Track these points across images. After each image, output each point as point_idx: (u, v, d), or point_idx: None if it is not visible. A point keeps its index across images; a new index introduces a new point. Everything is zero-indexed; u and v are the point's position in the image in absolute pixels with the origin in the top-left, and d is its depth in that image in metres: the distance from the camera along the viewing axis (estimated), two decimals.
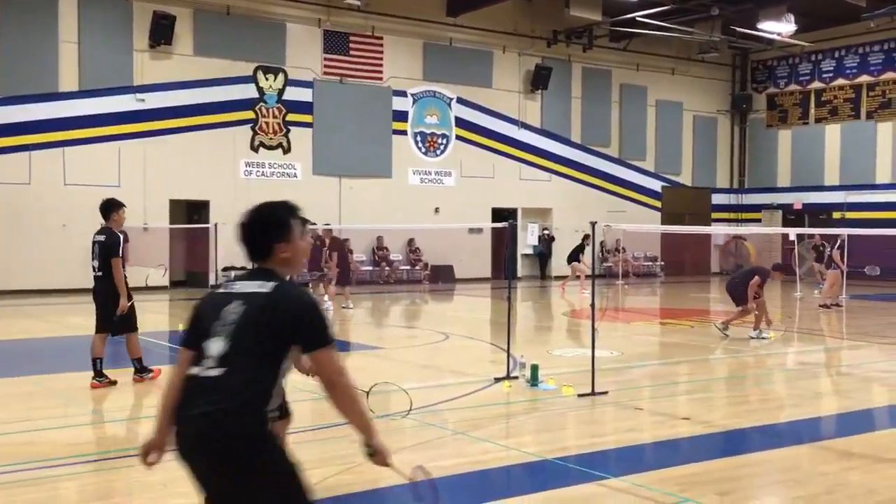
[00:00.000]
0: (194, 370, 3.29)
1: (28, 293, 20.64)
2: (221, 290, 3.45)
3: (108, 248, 9.40)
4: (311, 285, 20.69)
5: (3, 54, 21.00)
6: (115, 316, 9.41)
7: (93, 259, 9.61)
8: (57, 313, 17.67)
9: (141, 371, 9.76)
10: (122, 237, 9.63)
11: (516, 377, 9.70)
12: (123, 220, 9.79)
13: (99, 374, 9.44)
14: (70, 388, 9.56)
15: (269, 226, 3.47)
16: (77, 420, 8.03)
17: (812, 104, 32.18)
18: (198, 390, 3.23)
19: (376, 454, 3.39)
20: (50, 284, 21.37)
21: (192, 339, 3.39)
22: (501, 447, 6.94)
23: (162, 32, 22.44)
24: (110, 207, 9.60)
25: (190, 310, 3.51)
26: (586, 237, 22.29)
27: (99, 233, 9.66)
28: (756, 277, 13.97)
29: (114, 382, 9.50)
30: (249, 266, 3.48)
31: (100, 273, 9.53)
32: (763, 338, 13.68)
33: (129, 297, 9.59)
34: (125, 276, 9.51)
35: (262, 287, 3.33)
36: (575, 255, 23.62)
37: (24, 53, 21.20)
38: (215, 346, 3.26)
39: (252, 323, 3.26)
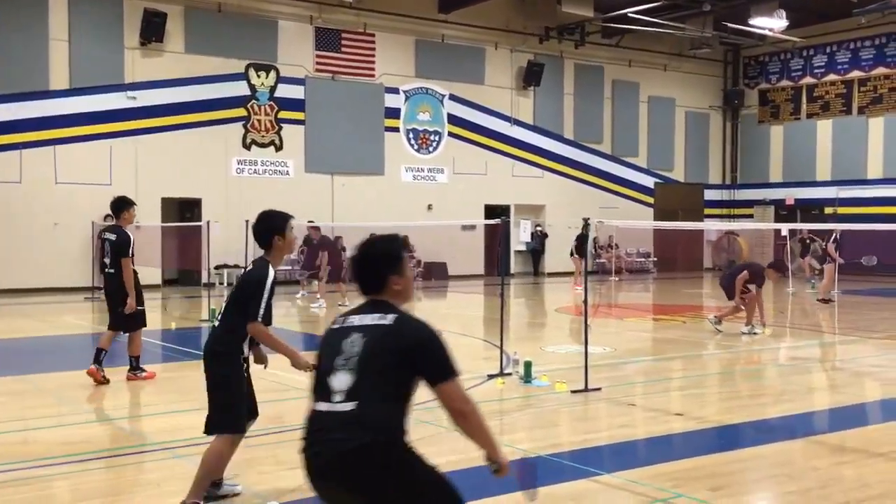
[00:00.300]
0: (322, 406, 3.31)
1: (19, 292, 20.58)
2: (337, 326, 3.47)
3: (119, 248, 9.48)
4: (301, 283, 20.72)
5: None
6: (122, 313, 9.52)
7: (104, 256, 9.70)
8: (49, 312, 17.62)
9: (135, 369, 9.79)
10: (132, 236, 9.69)
11: (509, 374, 9.70)
12: (133, 217, 9.83)
13: (98, 362, 9.52)
14: (63, 387, 9.54)
15: (382, 259, 3.53)
16: (70, 419, 8.01)
17: (804, 100, 32.25)
18: (331, 423, 3.25)
19: (501, 469, 3.45)
20: (41, 283, 21.31)
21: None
22: (518, 450, 6.94)
23: (153, 30, 22.37)
24: (121, 206, 9.62)
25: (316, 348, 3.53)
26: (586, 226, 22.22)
27: (109, 230, 9.72)
28: (744, 273, 13.98)
29: (106, 381, 9.50)
30: (361, 301, 3.52)
31: (111, 270, 9.62)
32: (754, 333, 13.71)
33: (140, 297, 9.71)
34: (135, 275, 9.60)
35: (383, 319, 3.37)
36: (580, 248, 23.59)
37: (15, 51, 21.11)
38: (341, 379, 3.28)
39: (376, 354, 3.29)
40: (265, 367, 5.84)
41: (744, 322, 13.98)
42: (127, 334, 9.81)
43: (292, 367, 5.51)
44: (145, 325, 9.95)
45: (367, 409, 3.21)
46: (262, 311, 5.25)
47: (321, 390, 3.35)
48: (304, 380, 9.33)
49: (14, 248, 21.15)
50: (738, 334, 13.72)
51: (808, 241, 25.94)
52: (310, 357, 4.86)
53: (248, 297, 5.28)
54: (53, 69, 21.71)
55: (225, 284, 23.59)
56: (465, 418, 3.30)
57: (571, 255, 24.12)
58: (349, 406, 3.23)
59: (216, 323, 5.52)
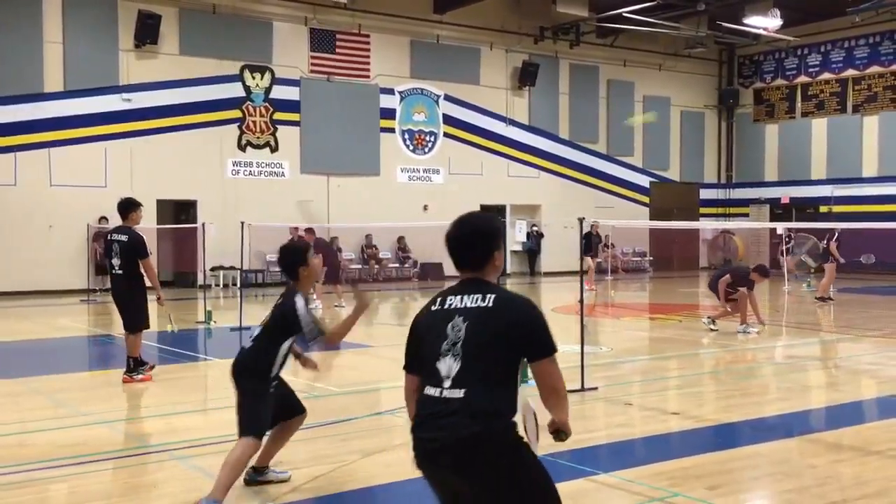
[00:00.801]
0: (432, 391, 3.34)
1: (15, 294, 20.54)
2: (437, 308, 3.47)
3: (134, 249, 9.52)
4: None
5: None
6: (135, 312, 9.63)
7: (112, 258, 9.67)
8: (44, 314, 17.59)
9: (132, 371, 9.77)
10: (143, 236, 9.76)
11: None
12: (141, 218, 9.95)
13: (141, 363, 9.71)
14: (59, 389, 9.53)
15: (489, 234, 3.56)
16: (68, 422, 7.99)
17: (798, 98, 32.31)
18: (442, 409, 3.28)
19: (564, 434, 3.45)
20: (37, 285, 21.27)
21: (416, 363, 3.49)
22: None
23: (147, 32, 22.34)
24: (129, 206, 9.73)
25: (407, 332, 3.56)
26: (593, 226, 22.40)
27: (118, 232, 9.73)
28: (727, 276, 14.06)
29: (152, 367, 9.80)
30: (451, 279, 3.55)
31: (120, 272, 9.63)
32: (748, 332, 13.75)
33: (146, 298, 9.79)
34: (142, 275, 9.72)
35: (483, 301, 3.39)
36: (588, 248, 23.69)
37: (9, 54, 21.07)
38: (448, 365, 3.32)
39: (480, 340, 3.32)
40: (317, 370, 6.45)
41: (738, 322, 14.01)
42: (130, 335, 9.82)
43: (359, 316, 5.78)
44: (148, 327, 9.99)
45: (476, 397, 3.26)
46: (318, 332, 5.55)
47: (429, 374, 3.37)
48: (312, 383, 9.28)
49: (9, 250, 21.11)
50: (734, 333, 13.74)
51: (787, 239, 26.35)
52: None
53: (285, 326, 5.55)
54: (48, 71, 21.68)
55: (220, 286, 23.59)
56: (559, 395, 3.41)
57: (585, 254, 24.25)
58: (458, 393, 3.27)
59: (251, 340, 5.72)
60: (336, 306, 18.25)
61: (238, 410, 5.58)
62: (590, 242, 23.53)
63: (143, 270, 9.59)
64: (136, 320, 9.70)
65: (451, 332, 3.36)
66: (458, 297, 3.45)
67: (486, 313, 3.35)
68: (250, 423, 5.50)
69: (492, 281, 3.53)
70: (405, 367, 3.56)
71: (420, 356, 3.45)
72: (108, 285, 11.65)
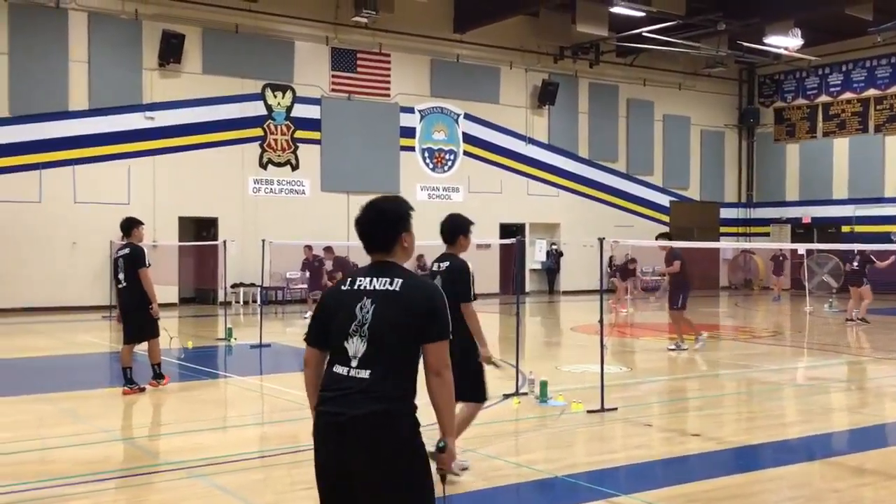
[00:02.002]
0: (339, 369, 3.47)
1: (38, 310, 20.71)
2: (347, 288, 3.58)
3: (135, 260, 9.98)
4: (310, 302, 20.74)
5: (14, 74, 21.17)
6: (137, 324, 10.04)
7: (117, 273, 10.16)
8: (66, 330, 17.72)
9: (158, 377, 10.23)
10: (145, 249, 10.24)
11: (525, 393, 9.68)
12: (143, 236, 10.46)
13: (130, 381, 10.01)
14: (80, 405, 9.59)
15: (395, 216, 3.68)
16: (87, 438, 8.04)
17: (820, 118, 32.16)
18: (347, 387, 3.44)
19: (446, 452, 3.46)
20: (59, 301, 21.44)
21: (321, 338, 3.61)
22: (511, 464, 6.93)
23: (171, 51, 22.59)
24: (131, 225, 10.23)
25: (317, 308, 3.69)
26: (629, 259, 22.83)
27: (122, 248, 10.24)
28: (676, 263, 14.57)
29: (142, 389, 10.04)
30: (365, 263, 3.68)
31: (125, 284, 10.07)
32: (682, 349, 13.90)
33: (153, 306, 10.14)
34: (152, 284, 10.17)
35: (391, 285, 3.50)
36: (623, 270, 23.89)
37: (35, 73, 21.37)
38: (355, 346, 3.45)
39: (386, 324, 3.45)
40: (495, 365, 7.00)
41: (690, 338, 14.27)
42: (146, 345, 10.19)
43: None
44: (159, 335, 10.32)
45: (381, 379, 3.38)
46: (473, 293, 6.49)
47: (337, 352, 3.49)
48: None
49: (33, 266, 21.31)
50: (752, 354, 13.64)
51: (780, 258, 27.26)
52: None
53: (465, 284, 6.51)
54: (73, 90, 21.95)
55: (241, 303, 23.69)
56: (441, 379, 3.43)
57: (613, 276, 24.39)
58: (364, 374, 3.40)
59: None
60: None
61: (466, 377, 5.96)
62: (625, 265, 23.65)
63: (141, 280, 9.98)
64: (145, 330, 10.11)
65: (360, 313, 3.47)
66: (368, 280, 3.55)
67: (392, 297, 3.46)
68: (474, 392, 6.34)
69: (401, 264, 3.64)
70: (306, 340, 3.65)
71: (327, 333, 3.54)
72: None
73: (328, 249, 19.57)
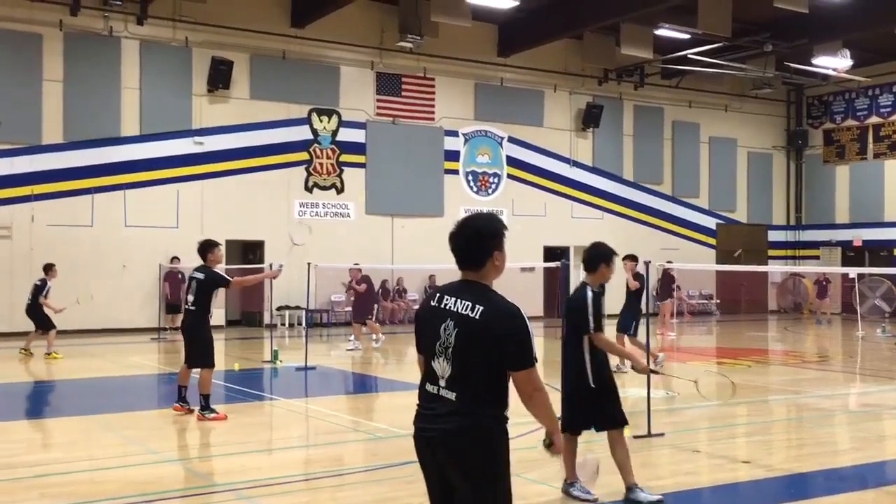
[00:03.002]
0: (430, 387, 3.73)
1: (88, 332, 21.08)
2: (435, 305, 3.75)
3: (213, 283, 10.11)
4: (357, 329, 20.67)
5: (68, 102, 21.69)
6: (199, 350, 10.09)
7: (188, 293, 10.23)
8: (118, 352, 18.00)
9: (204, 409, 10.00)
10: (221, 275, 10.35)
11: None
12: (221, 257, 10.57)
13: (183, 399, 10.17)
14: (130, 426, 9.72)
15: (491, 233, 3.75)
16: (138, 459, 8.15)
17: (870, 139, 31.64)
18: (436, 406, 3.69)
19: (553, 445, 3.86)
20: (109, 324, 21.80)
21: (421, 347, 3.87)
22: (557, 489, 6.87)
23: (220, 77, 22.99)
24: (206, 247, 10.29)
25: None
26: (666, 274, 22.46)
27: (198, 270, 10.27)
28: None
29: (191, 410, 10.10)
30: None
31: (193, 308, 10.13)
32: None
33: (211, 338, 10.27)
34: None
35: (473, 311, 3.62)
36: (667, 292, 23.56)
37: (89, 100, 21.88)
38: (442, 366, 3.69)
39: (468, 347, 3.65)
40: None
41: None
42: (198, 372, 10.16)
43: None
44: (213, 366, 10.27)
45: (466, 400, 3.55)
46: (592, 323, 6.35)
47: (428, 370, 3.70)
48: (364, 421, 9.33)
49: (84, 289, 21.70)
50: (805, 379, 13.38)
51: (824, 282, 27.25)
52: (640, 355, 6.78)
53: (584, 315, 6.37)
54: (125, 116, 22.42)
55: (286, 325, 23.88)
56: (534, 401, 3.62)
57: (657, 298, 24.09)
58: (451, 395, 3.59)
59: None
60: (374, 342, 18.35)
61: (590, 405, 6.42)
62: (667, 286, 23.31)
63: (237, 288, 10.52)
64: (205, 356, 10.10)
65: (444, 334, 3.61)
66: (454, 300, 3.66)
67: (473, 324, 3.56)
68: (608, 417, 6.51)
69: (490, 283, 3.70)
70: (416, 348, 3.85)
71: (421, 347, 3.77)
72: (178, 323, 12.07)
73: (355, 269, 19.15)
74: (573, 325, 6.41)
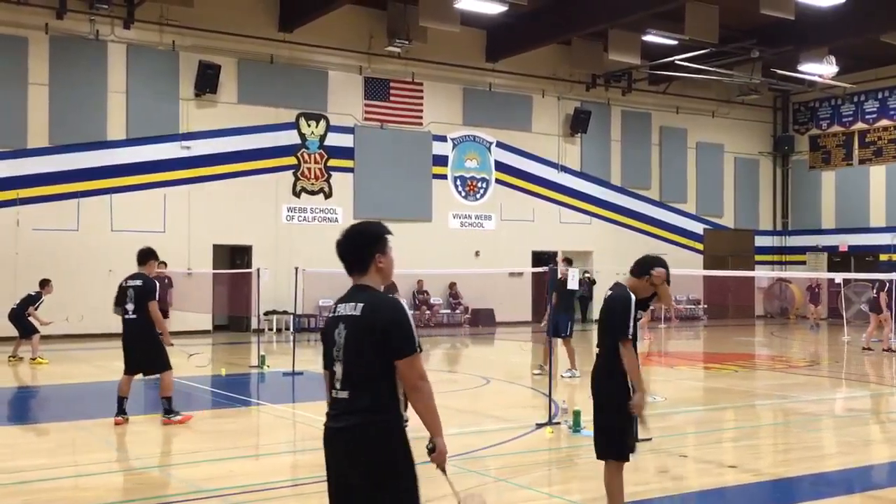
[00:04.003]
0: (333, 392, 3.86)
1: (74, 337, 20.95)
2: (331, 315, 3.91)
3: (147, 293, 10.01)
4: None
5: (54, 105, 21.58)
6: (146, 355, 9.97)
7: (126, 303, 10.13)
8: (103, 357, 17.86)
9: (169, 412, 9.95)
10: (156, 283, 10.29)
11: (559, 423, 9.61)
12: (155, 269, 10.56)
13: (123, 411, 9.89)
14: (115, 432, 9.66)
15: (370, 238, 3.95)
16: (123, 465, 8.10)
17: (856, 145, 31.84)
18: (337, 408, 3.85)
19: (436, 451, 3.76)
20: (96, 329, 21.67)
21: (326, 362, 4.02)
22: (544, 494, 6.87)
23: (207, 81, 22.93)
24: (149, 255, 10.35)
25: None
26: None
27: (133, 278, 10.22)
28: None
29: (127, 420, 9.86)
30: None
31: (134, 316, 10.06)
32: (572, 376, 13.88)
33: (167, 339, 10.18)
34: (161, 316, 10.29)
35: (356, 310, 3.79)
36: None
37: (75, 104, 21.77)
38: (338, 369, 3.84)
39: (354, 345, 3.79)
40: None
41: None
42: (150, 377, 10.15)
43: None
44: (170, 367, 10.13)
45: (357, 398, 3.71)
46: (630, 331, 5.65)
47: (331, 376, 3.83)
48: None
49: (70, 294, 21.56)
50: (792, 384, 13.43)
51: (815, 288, 27.67)
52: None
53: (624, 317, 5.67)
54: (111, 120, 22.32)
55: (274, 330, 23.81)
56: (419, 392, 3.67)
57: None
58: (344, 394, 3.76)
59: (597, 349, 5.85)
60: None
61: (596, 428, 5.69)
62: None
63: (150, 313, 9.96)
64: (159, 361, 9.97)
65: (338, 338, 3.80)
66: (344, 305, 3.85)
67: (357, 320, 3.74)
68: (610, 446, 5.63)
69: (377, 286, 3.86)
70: (323, 364, 3.98)
71: (325, 361, 3.92)
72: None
73: None
74: (611, 326, 5.71)
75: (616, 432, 5.61)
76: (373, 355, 3.68)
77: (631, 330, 5.66)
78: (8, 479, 7.31)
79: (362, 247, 3.90)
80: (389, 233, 3.98)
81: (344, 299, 3.87)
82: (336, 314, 3.85)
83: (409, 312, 3.78)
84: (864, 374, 15.96)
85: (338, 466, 3.76)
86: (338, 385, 3.77)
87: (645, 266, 5.94)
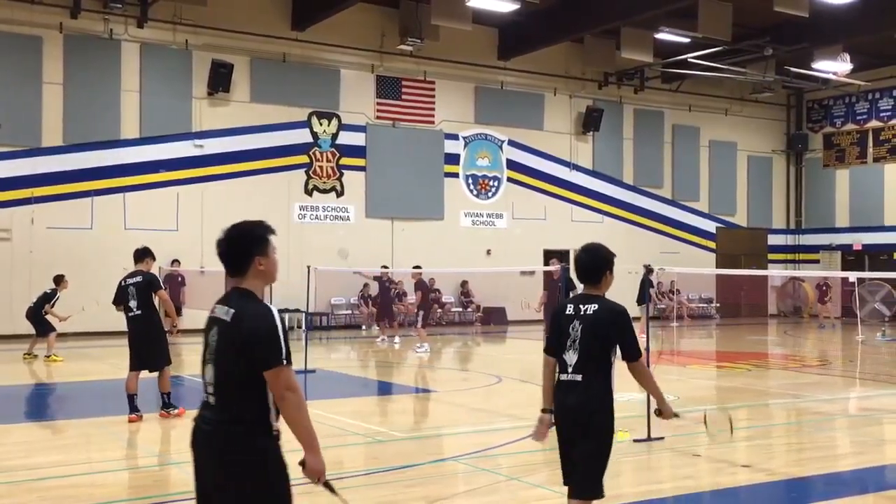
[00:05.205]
0: (203, 395, 3.72)
1: (88, 335, 21.06)
2: (209, 316, 3.74)
3: (150, 285, 10.13)
4: (383, 329, 21.04)
5: (68, 104, 21.70)
6: (150, 352, 10.09)
7: (128, 301, 10.17)
8: (117, 355, 17.92)
9: (167, 406, 10.17)
10: (158, 276, 10.62)
11: None
12: (152, 267, 10.64)
13: (135, 408, 10.02)
14: (130, 429, 9.71)
15: (250, 239, 3.77)
16: (139, 462, 8.14)
17: (870, 143, 31.66)
18: (203, 409, 3.70)
19: (306, 468, 3.67)
20: (109, 327, 21.74)
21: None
22: (557, 493, 6.85)
23: (220, 80, 23.00)
24: (146, 253, 10.49)
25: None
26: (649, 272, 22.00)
27: (131, 276, 10.28)
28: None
29: (141, 417, 10.00)
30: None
31: (139, 312, 10.11)
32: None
33: (164, 335, 10.37)
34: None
35: (227, 315, 3.65)
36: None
37: (89, 103, 21.88)
38: (208, 371, 3.67)
39: (223, 350, 3.62)
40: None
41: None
42: (156, 373, 10.20)
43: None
44: (170, 363, 10.28)
45: (222, 404, 3.60)
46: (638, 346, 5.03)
47: (204, 378, 3.70)
48: (364, 425, 9.34)
49: (84, 291, 21.65)
50: (806, 384, 13.36)
51: (824, 287, 27.51)
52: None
53: (627, 334, 5.11)
54: (125, 119, 22.42)
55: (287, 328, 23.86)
56: (287, 404, 3.54)
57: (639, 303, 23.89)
58: (212, 400, 3.64)
59: (576, 377, 5.05)
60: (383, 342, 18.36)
61: (584, 462, 4.82)
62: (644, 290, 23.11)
63: (159, 302, 10.22)
64: (165, 355, 10.16)
65: (211, 341, 3.66)
66: (219, 307, 3.70)
67: (227, 327, 3.59)
68: (588, 482, 4.74)
69: (256, 289, 3.69)
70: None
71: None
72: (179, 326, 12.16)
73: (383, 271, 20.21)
74: (626, 343, 5.06)
75: (603, 469, 4.90)
76: (239, 364, 3.53)
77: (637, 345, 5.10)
78: (24, 476, 7.36)
79: (242, 248, 3.72)
80: (273, 233, 3.81)
81: (221, 301, 3.73)
82: (213, 314, 3.71)
83: (281, 321, 3.59)
84: (878, 374, 15.88)
85: (204, 469, 3.67)
86: (210, 389, 3.66)
87: (599, 270, 5.47)
